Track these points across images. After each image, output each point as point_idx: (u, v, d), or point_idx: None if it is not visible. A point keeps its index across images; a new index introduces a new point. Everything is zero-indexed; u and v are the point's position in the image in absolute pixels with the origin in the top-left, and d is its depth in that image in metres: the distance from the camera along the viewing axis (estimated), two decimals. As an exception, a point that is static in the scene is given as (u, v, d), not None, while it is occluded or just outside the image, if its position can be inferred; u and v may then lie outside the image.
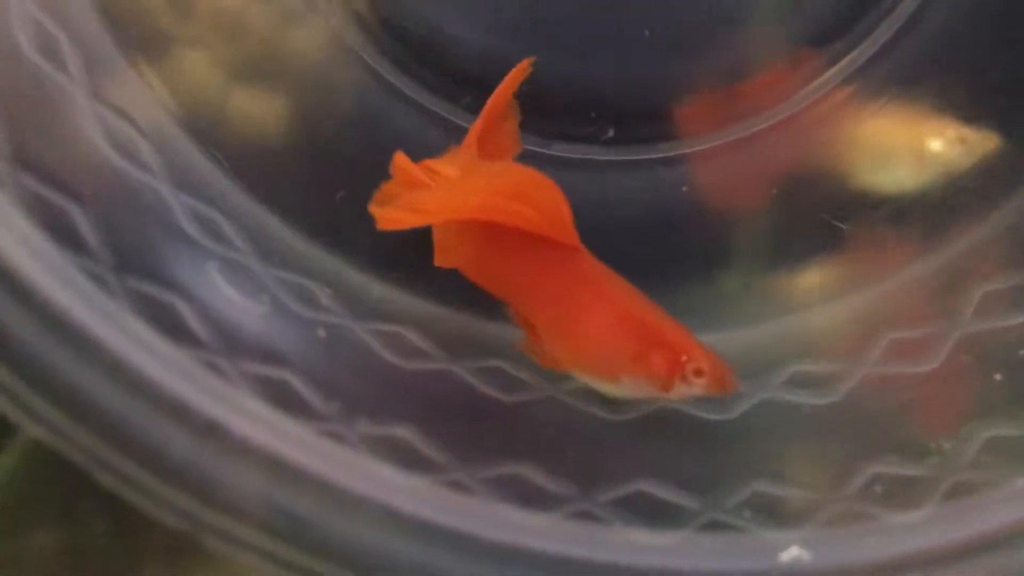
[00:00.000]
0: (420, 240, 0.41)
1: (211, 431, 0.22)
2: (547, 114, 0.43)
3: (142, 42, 0.35)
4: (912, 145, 0.42)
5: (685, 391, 0.29)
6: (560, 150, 0.44)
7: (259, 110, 0.39)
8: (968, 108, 0.40)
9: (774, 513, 0.28)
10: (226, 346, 0.26)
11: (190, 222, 0.30)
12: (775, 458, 0.31)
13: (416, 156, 0.41)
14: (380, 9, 0.42)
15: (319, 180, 0.39)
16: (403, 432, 0.27)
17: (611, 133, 0.44)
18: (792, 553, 0.25)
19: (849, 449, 0.30)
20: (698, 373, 0.29)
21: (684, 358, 0.29)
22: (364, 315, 0.34)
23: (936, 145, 0.41)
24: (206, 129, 0.35)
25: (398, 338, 0.34)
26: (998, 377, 0.31)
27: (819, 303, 0.38)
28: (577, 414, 0.32)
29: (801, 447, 0.31)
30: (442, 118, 0.43)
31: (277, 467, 0.23)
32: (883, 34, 0.43)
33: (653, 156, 0.44)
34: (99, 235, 0.25)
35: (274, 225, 0.36)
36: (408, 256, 0.39)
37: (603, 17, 0.44)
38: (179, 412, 0.22)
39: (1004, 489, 0.26)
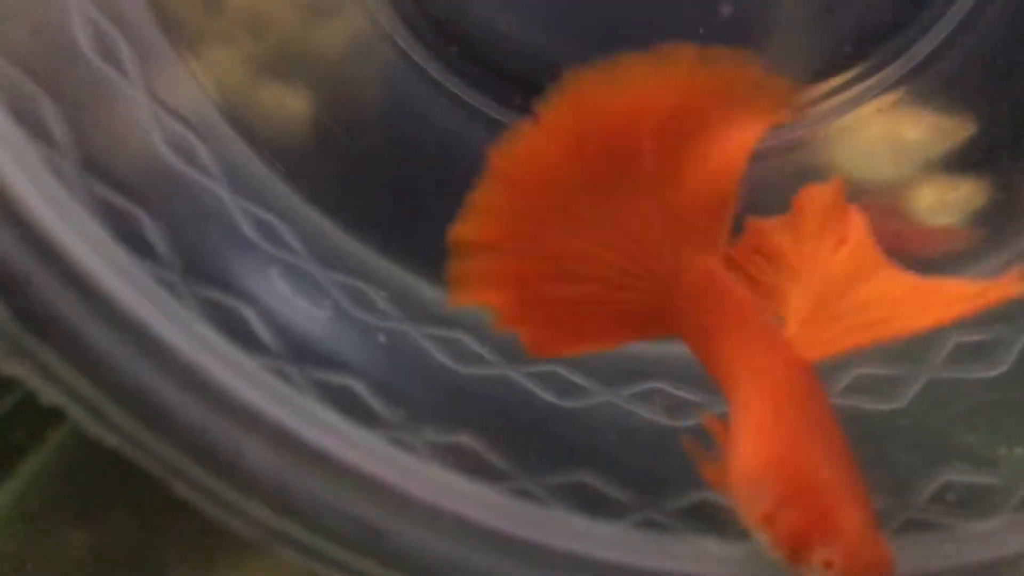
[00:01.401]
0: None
1: (284, 440, 0.22)
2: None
3: (194, 40, 0.35)
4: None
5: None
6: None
7: (307, 109, 0.39)
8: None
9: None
10: (293, 353, 0.26)
11: (250, 226, 0.30)
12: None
13: (462, 154, 0.41)
14: (426, 5, 0.42)
15: (368, 179, 0.39)
16: (467, 439, 0.27)
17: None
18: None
19: (917, 456, 0.30)
20: (828, 564, 0.22)
21: (821, 536, 0.22)
22: (420, 319, 0.34)
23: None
24: (255, 127, 0.35)
25: (454, 343, 0.33)
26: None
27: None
28: (636, 420, 0.32)
29: (867, 454, 0.31)
30: (490, 117, 0.42)
31: (349, 476, 0.23)
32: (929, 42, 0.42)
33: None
34: (166, 239, 0.25)
35: (326, 227, 0.36)
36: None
37: (658, 15, 0.43)
38: (252, 420, 0.22)
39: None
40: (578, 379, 0.34)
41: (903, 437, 0.31)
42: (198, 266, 0.26)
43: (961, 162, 0.39)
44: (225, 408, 0.22)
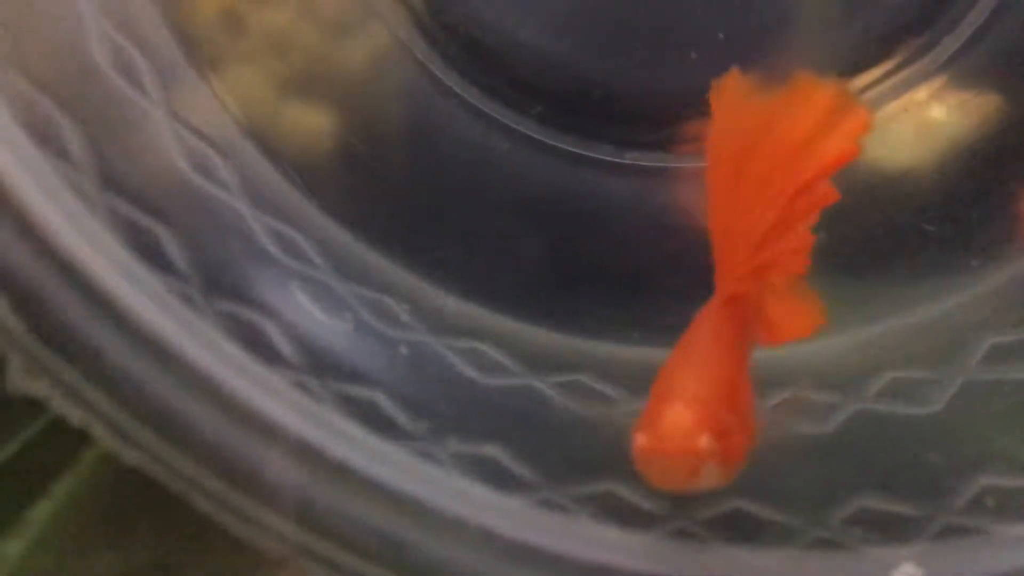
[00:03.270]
0: (491, 254, 0.40)
1: (306, 452, 0.22)
2: (619, 122, 0.42)
3: (211, 58, 0.35)
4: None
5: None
6: (633, 158, 0.43)
7: (325, 123, 0.39)
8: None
9: (882, 528, 0.26)
10: (314, 366, 0.26)
11: (269, 240, 0.30)
12: (877, 471, 0.29)
13: (481, 164, 0.41)
14: (446, 19, 0.42)
15: (388, 191, 0.38)
16: (491, 450, 0.26)
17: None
18: (906, 571, 0.24)
19: (954, 460, 0.29)
20: (636, 443, 0.24)
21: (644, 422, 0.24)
22: (442, 330, 0.33)
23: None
24: (274, 142, 0.35)
25: (476, 353, 0.33)
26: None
27: (912, 307, 0.37)
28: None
29: (903, 458, 0.30)
30: (506, 125, 0.42)
31: (371, 488, 0.22)
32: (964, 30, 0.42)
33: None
34: (186, 255, 0.25)
35: (346, 240, 0.35)
36: (478, 268, 0.39)
37: (678, 23, 0.43)
38: (273, 433, 0.22)
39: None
40: (603, 387, 0.34)
41: (939, 441, 0.31)
42: (218, 280, 0.26)
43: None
44: (246, 422, 0.22)
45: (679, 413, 0.24)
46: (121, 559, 0.37)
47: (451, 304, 0.36)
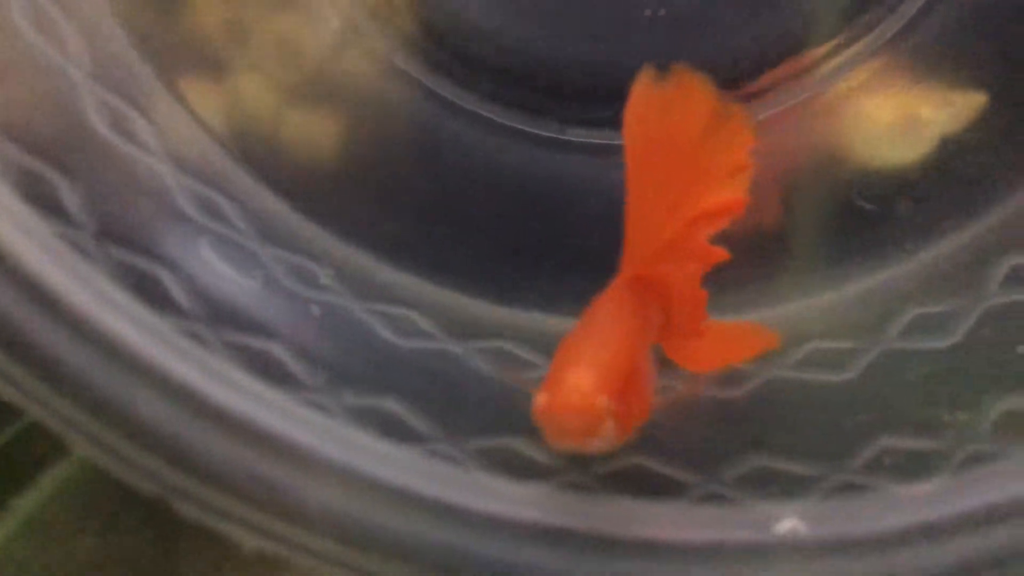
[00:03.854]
0: (431, 226, 0.41)
1: (179, 393, 0.22)
2: (564, 100, 0.43)
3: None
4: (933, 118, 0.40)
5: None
6: (578, 135, 0.43)
7: (265, 94, 0.40)
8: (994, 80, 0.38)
9: (777, 486, 0.27)
10: (210, 316, 0.26)
11: (187, 200, 0.30)
12: (781, 433, 0.29)
13: (424, 140, 0.41)
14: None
15: (328, 164, 0.39)
16: (389, 404, 0.27)
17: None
18: (788, 525, 0.24)
19: (861, 424, 0.29)
20: (538, 404, 0.25)
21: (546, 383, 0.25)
22: (367, 297, 0.34)
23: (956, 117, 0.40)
24: (207, 110, 0.35)
25: (400, 319, 0.33)
26: (1021, 350, 0.30)
27: (843, 282, 0.37)
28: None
29: (810, 422, 0.30)
30: (455, 104, 0.42)
31: (250, 432, 0.22)
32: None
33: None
34: (83, 204, 0.25)
35: (281, 209, 0.36)
36: (417, 240, 0.39)
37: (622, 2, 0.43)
38: (151, 375, 0.22)
39: (1016, 461, 0.25)
40: (526, 354, 0.34)
41: (849, 406, 0.31)
42: (115, 230, 0.26)
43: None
44: (122, 362, 0.22)
45: (578, 374, 0.25)
46: (101, 545, 0.38)
47: (384, 273, 0.37)
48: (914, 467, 0.26)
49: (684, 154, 0.29)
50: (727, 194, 0.29)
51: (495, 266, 0.39)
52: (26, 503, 0.38)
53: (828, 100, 0.43)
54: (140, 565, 0.37)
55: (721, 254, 0.30)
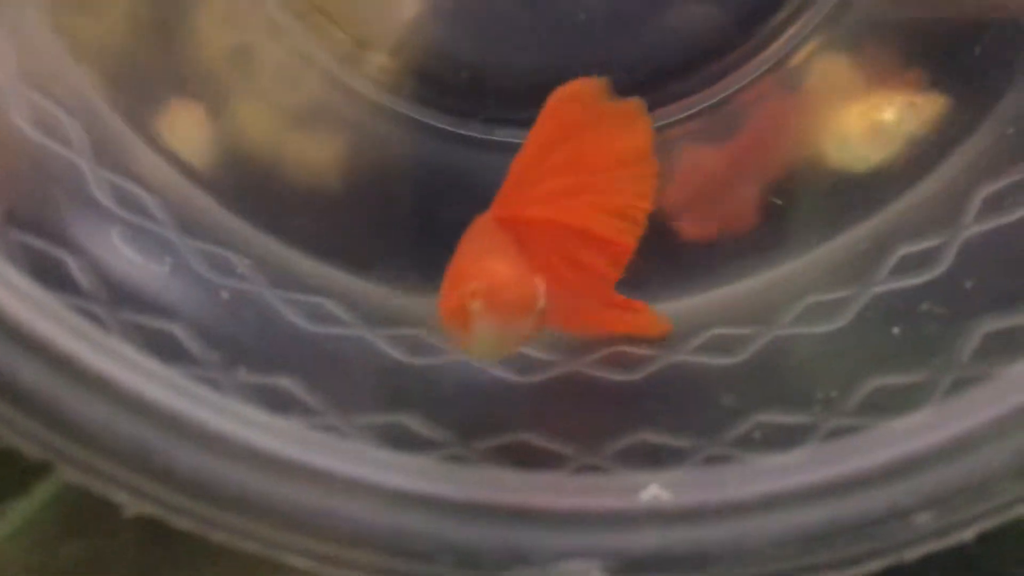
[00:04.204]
0: (357, 222, 0.42)
1: (63, 363, 0.23)
2: (489, 101, 0.44)
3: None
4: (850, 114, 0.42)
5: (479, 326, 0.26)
6: (502, 136, 0.45)
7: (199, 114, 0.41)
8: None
9: (649, 459, 0.28)
10: (110, 298, 0.27)
11: (102, 191, 0.32)
12: (666, 414, 0.31)
13: (351, 139, 0.43)
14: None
15: (255, 160, 0.40)
16: (282, 381, 0.28)
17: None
18: (651, 492, 0.25)
19: (741, 402, 0.30)
20: (474, 293, 0.26)
21: (473, 278, 0.27)
22: (283, 285, 0.35)
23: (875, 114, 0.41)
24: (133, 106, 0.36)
25: (313, 306, 0.35)
26: (895, 331, 0.31)
27: (745, 274, 0.38)
28: (483, 374, 0.33)
29: (697, 402, 0.32)
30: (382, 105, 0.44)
31: (126, 397, 0.24)
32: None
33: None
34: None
35: (206, 203, 0.37)
36: (341, 236, 0.40)
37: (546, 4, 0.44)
38: (31, 343, 0.23)
39: (877, 430, 0.26)
40: (439, 341, 0.36)
41: (737, 387, 0.32)
42: (20, 215, 0.27)
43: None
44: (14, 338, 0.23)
45: (501, 262, 0.28)
46: (87, 546, 0.38)
47: (305, 264, 0.38)
48: (782, 440, 0.28)
49: (587, 149, 0.31)
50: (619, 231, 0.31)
51: (417, 258, 0.41)
52: (15, 512, 0.39)
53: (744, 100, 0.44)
54: (126, 568, 0.38)
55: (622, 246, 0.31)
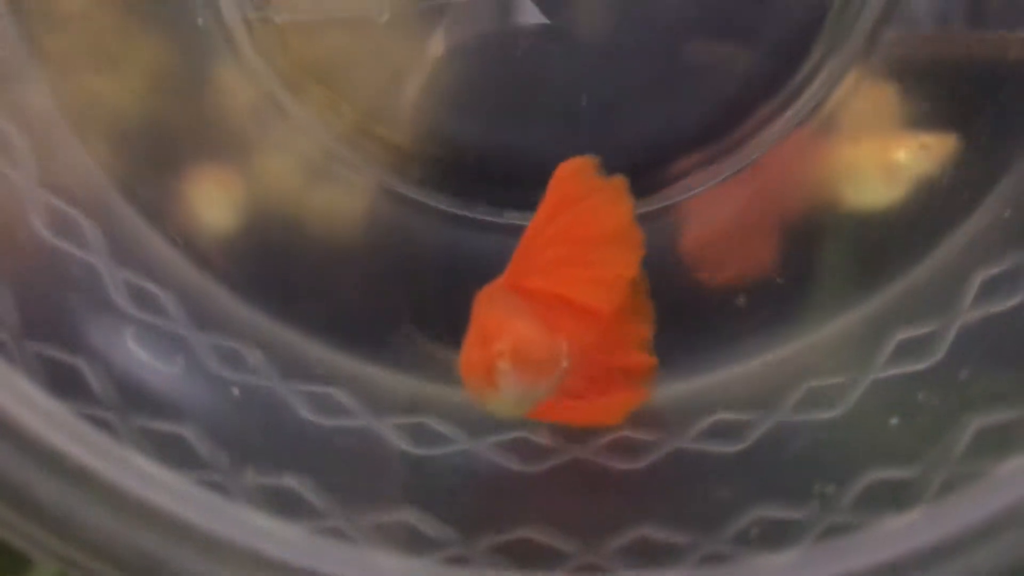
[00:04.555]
0: (364, 308, 0.43)
1: (79, 477, 0.24)
2: (494, 184, 0.45)
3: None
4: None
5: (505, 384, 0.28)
6: (513, 218, 0.46)
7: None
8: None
9: (649, 557, 0.28)
10: (121, 403, 0.28)
11: (118, 291, 0.33)
12: (670, 505, 0.31)
13: (360, 226, 0.44)
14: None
15: (263, 247, 0.41)
16: (290, 481, 0.29)
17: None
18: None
19: (741, 494, 0.31)
20: (501, 354, 0.27)
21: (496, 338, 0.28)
22: (293, 376, 0.36)
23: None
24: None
25: (322, 397, 0.35)
26: (894, 422, 0.32)
27: (745, 355, 0.39)
28: (485, 464, 0.33)
29: (696, 494, 0.32)
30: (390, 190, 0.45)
31: (142, 511, 0.24)
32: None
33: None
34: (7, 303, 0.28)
35: (217, 292, 0.38)
36: (349, 322, 0.41)
37: (549, 90, 0.45)
38: (47, 458, 0.24)
39: (873, 530, 0.27)
40: (444, 428, 0.36)
41: (737, 478, 0.32)
42: (37, 325, 0.28)
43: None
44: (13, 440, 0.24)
45: (523, 322, 0.29)
46: None
47: (314, 352, 0.39)
48: (778, 538, 0.28)
49: (579, 222, 0.33)
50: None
51: (427, 337, 0.42)
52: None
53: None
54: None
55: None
